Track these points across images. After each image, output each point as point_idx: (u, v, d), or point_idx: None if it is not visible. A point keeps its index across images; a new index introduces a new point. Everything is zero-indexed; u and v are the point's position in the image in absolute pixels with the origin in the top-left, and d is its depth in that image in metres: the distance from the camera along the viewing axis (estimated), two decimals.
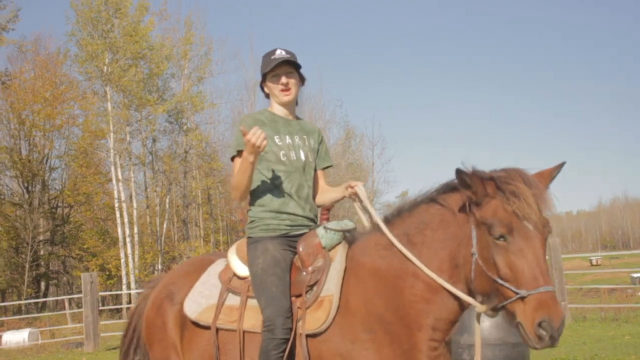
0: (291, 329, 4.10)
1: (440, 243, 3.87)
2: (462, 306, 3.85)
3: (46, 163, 42.38)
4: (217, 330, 4.49)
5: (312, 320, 4.05)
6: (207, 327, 4.55)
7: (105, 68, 34.71)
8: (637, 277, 27.41)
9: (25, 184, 41.03)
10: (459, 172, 3.66)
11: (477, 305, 3.75)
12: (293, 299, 4.22)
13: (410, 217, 4.05)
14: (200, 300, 4.69)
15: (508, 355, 6.45)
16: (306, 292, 4.19)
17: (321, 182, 4.84)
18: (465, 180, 3.66)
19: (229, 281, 4.62)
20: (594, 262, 51.66)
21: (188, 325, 4.71)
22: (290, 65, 4.62)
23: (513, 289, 3.42)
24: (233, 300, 4.52)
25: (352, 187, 4.44)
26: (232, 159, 4.61)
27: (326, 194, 4.77)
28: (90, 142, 39.90)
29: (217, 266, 4.86)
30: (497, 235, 3.51)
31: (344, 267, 4.16)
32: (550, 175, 3.80)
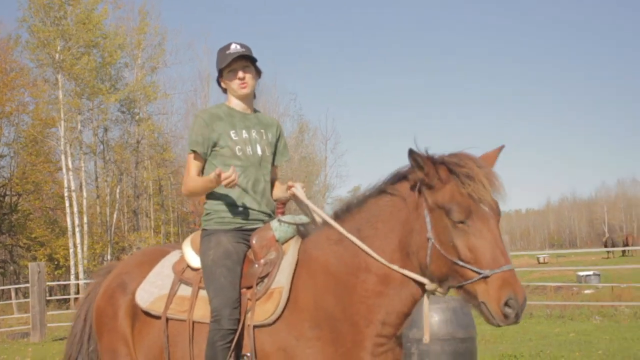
0: (239, 320, 4.12)
1: (391, 233, 3.86)
2: (415, 296, 3.85)
3: None
4: (168, 320, 4.50)
5: (261, 311, 4.06)
6: (158, 317, 4.56)
7: (57, 55, 34.23)
8: (583, 276, 27.81)
9: None
10: (411, 152, 3.68)
11: (427, 282, 3.75)
12: (244, 290, 4.23)
13: (360, 212, 4.06)
14: (152, 290, 4.69)
15: (456, 350, 6.53)
16: (257, 284, 4.20)
17: (275, 176, 4.86)
18: (417, 161, 3.68)
19: (182, 272, 4.64)
20: (542, 260, 52.30)
21: (139, 315, 4.70)
22: (246, 59, 4.63)
23: (475, 269, 3.48)
24: (185, 291, 4.53)
25: (290, 188, 4.47)
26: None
27: (275, 191, 4.80)
28: (40, 131, 39.34)
29: (172, 257, 4.86)
30: (457, 220, 3.56)
31: (295, 261, 4.17)
32: (494, 158, 3.88)
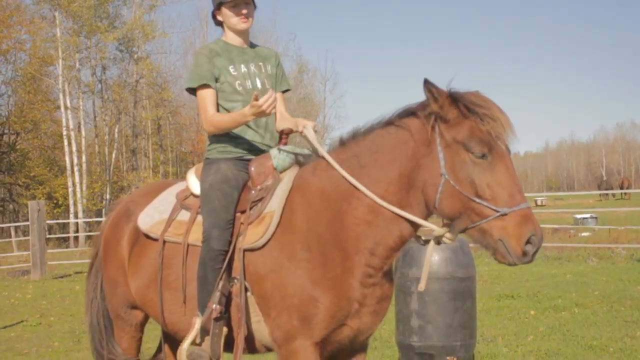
0: (230, 242, 4.18)
1: (391, 164, 3.83)
2: (406, 232, 3.86)
3: None
4: (165, 242, 4.60)
5: (251, 235, 4.11)
6: (157, 240, 4.66)
7: None
8: (580, 218, 27.91)
9: None
10: (426, 82, 3.64)
11: (435, 229, 3.74)
12: (238, 214, 4.28)
13: (364, 139, 4.01)
14: (154, 214, 4.80)
15: (455, 289, 6.56)
16: (250, 208, 4.25)
17: (280, 107, 4.78)
18: (432, 92, 3.63)
19: (184, 199, 4.71)
20: (539, 203, 52.45)
21: (140, 238, 4.82)
22: None
23: (493, 207, 3.45)
24: (184, 216, 4.61)
25: (303, 127, 4.42)
26: (193, 91, 4.60)
27: (282, 122, 4.73)
28: (38, 69, 39.08)
29: (178, 186, 4.94)
30: (480, 154, 3.52)
31: (290, 187, 4.18)
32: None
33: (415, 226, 3.83)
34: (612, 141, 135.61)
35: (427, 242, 3.90)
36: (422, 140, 3.74)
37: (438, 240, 3.80)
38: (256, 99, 4.11)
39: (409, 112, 3.88)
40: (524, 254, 3.42)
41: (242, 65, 4.62)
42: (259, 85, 4.61)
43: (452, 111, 3.63)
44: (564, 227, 24.29)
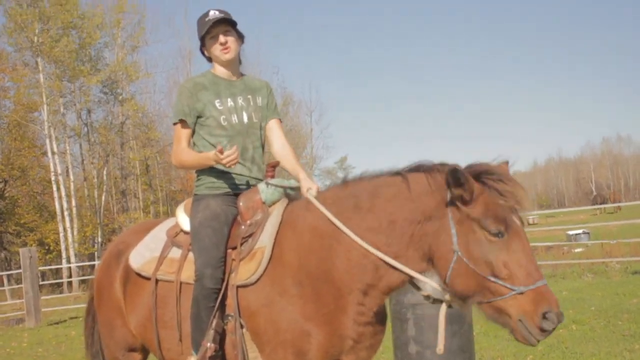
0: (222, 280, 4.16)
1: (389, 216, 3.77)
2: (398, 281, 3.82)
3: None
4: (157, 281, 4.60)
5: (244, 271, 4.08)
6: (149, 279, 4.66)
7: (35, 38, 33.91)
8: (572, 235, 27.98)
9: None
10: (457, 171, 3.51)
11: (432, 283, 3.72)
12: (229, 251, 4.27)
13: (368, 183, 3.98)
14: (145, 253, 4.80)
15: (451, 313, 6.42)
16: (241, 244, 4.24)
17: (278, 132, 4.83)
18: (461, 182, 3.52)
19: (174, 235, 4.71)
20: (531, 221, 52.51)
21: (132, 277, 4.82)
22: (227, 24, 4.60)
23: (509, 286, 3.39)
24: (175, 253, 4.61)
25: (306, 191, 4.33)
26: (175, 123, 4.63)
27: (285, 159, 4.74)
28: (23, 115, 39.03)
29: (168, 223, 4.96)
30: (495, 232, 3.46)
31: (279, 221, 4.17)
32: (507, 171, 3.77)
33: (410, 276, 3.78)
34: (599, 156, 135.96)
35: (436, 301, 3.84)
36: (431, 207, 3.68)
37: (449, 305, 3.76)
38: (221, 152, 4.14)
39: (419, 170, 3.83)
40: (542, 330, 3.35)
41: (229, 99, 4.62)
42: (245, 119, 4.62)
43: (471, 194, 3.55)
44: (557, 245, 24.34)
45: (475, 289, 3.51)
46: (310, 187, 4.33)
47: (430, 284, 3.74)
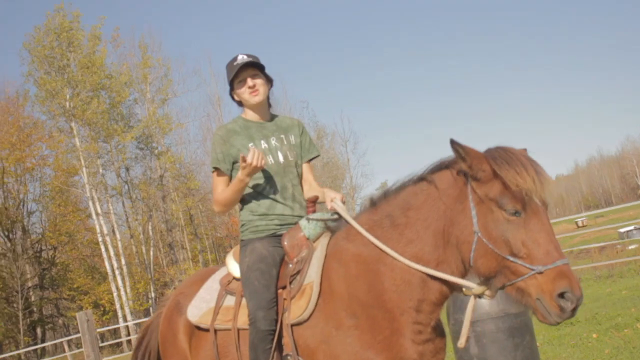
0: (276, 321, 4.14)
1: (424, 222, 3.79)
2: (447, 288, 3.80)
3: (23, 208, 42.00)
4: (216, 331, 4.56)
5: (295, 308, 4.06)
6: (208, 330, 4.62)
7: (67, 104, 34.49)
8: (624, 232, 27.56)
9: (6, 232, 40.62)
10: (452, 142, 3.60)
11: (474, 287, 3.67)
12: (280, 291, 4.25)
13: (395, 198, 3.99)
14: (201, 305, 4.76)
15: (512, 326, 6.45)
16: (290, 282, 4.22)
17: (308, 175, 4.85)
18: (459, 152, 3.60)
19: (227, 284, 4.68)
20: (580, 224, 52.00)
21: (194, 331, 4.78)
22: (254, 68, 4.63)
23: (528, 265, 3.36)
24: (230, 301, 4.58)
25: (331, 201, 4.41)
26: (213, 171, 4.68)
27: (310, 192, 4.75)
28: (64, 181, 39.67)
29: (221, 272, 4.91)
30: (513, 211, 3.45)
31: (324, 254, 4.16)
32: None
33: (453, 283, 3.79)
34: None
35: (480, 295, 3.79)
36: (454, 196, 3.72)
37: (479, 295, 3.72)
38: (243, 160, 4.19)
39: (441, 167, 3.86)
40: (561, 309, 3.32)
41: (263, 141, 4.64)
42: (280, 159, 4.63)
43: (482, 169, 3.58)
44: (610, 244, 23.93)
45: (496, 269, 3.51)
46: (334, 197, 4.39)
47: (467, 285, 3.71)
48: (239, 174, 4.33)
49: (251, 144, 4.58)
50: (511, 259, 3.43)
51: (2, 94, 43.41)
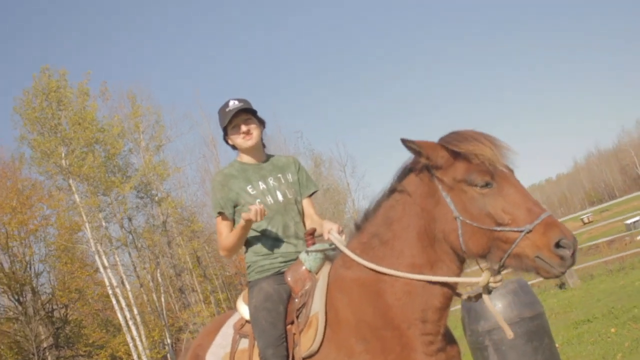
0: (287, 356, 4.18)
1: (407, 230, 3.85)
2: (447, 289, 3.83)
3: (30, 270, 41.89)
4: None
5: (305, 341, 4.10)
6: None
7: (63, 162, 34.49)
8: (631, 223, 27.53)
9: (16, 296, 40.51)
10: (403, 141, 3.69)
11: (477, 279, 3.71)
12: (289, 327, 4.30)
13: (376, 217, 4.07)
14: (218, 351, 4.81)
15: (529, 330, 6.46)
16: (297, 316, 4.27)
17: (309, 210, 4.93)
18: (413, 148, 3.70)
19: (240, 327, 4.72)
20: (586, 221, 51.91)
21: None
22: (247, 112, 4.74)
23: (515, 229, 3.40)
24: (244, 344, 4.63)
25: (327, 232, 4.45)
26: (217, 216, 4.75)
27: (311, 225, 4.81)
28: (68, 238, 39.56)
29: (234, 317, 4.96)
30: (483, 184, 3.53)
31: (326, 284, 4.22)
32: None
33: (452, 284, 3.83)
34: (637, 139, 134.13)
35: (478, 297, 3.89)
36: (425, 194, 3.79)
37: (488, 289, 3.77)
38: (246, 217, 4.31)
39: (405, 171, 3.95)
40: (561, 258, 3.34)
41: (260, 183, 4.73)
42: (279, 197, 4.73)
43: (440, 157, 3.68)
44: (619, 237, 23.89)
45: (488, 245, 3.54)
46: (330, 228, 4.42)
47: (472, 280, 3.75)
48: (241, 222, 4.39)
49: (249, 186, 4.68)
50: (498, 229, 3.47)
51: None
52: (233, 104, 4.74)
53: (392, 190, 4.00)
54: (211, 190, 4.77)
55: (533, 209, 3.43)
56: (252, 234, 4.65)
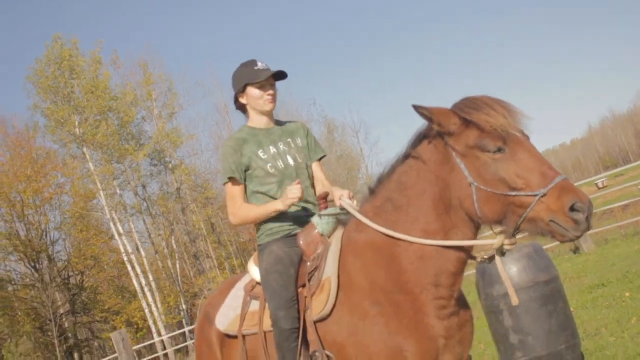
0: (298, 319, 4.21)
1: (422, 196, 3.85)
2: (462, 253, 3.85)
3: (46, 237, 42.19)
4: (244, 336, 4.67)
5: (316, 305, 4.12)
6: (237, 337, 4.73)
7: (76, 130, 34.59)
8: None
9: (32, 264, 40.86)
10: (415, 107, 3.69)
11: (490, 242, 3.72)
12: (300, 289, 4.33)
13: (390, 182, 4.08)
14: (228, 312, 4.89)
15: (543, 294, 6.46)
16: (309, 279, 4.30)
17: (319, 174, 4.93)
18: (424, 114, 3.70)
19: (251, 289, 4.80)
20: (600, 185, 51.65)
21: (225, 340, 4.90)
22: (273, 77, 4.72)
23: (529, 193, 3.40)
24: (255, 305, 4.69)
25: (339, 199, 4.47)
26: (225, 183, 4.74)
27: (321, 190, 4.82)
28: (83, 206, 39.80)
29: (245, 279, 5.02)
30: (495, 149, 3.52)
31: (339, 248, 4.23)
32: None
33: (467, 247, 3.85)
34: None
35: (491, 258, 3.86)
36: (440, 161, 3.78)
37: (501, 252, 3.76)
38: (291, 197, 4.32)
39: (420, 138, 3.95)
40: (576, 222, 3.32)
41: (271, 147, 4.73)
42: (290, 162, 4.74)
43: (452, 122, 3.68)
44: (633, 201, 23.73)
45: (504, 210, 3.54)
46: (341, 194, 4.45)
47: (484, 243, 3.77)
48: (279, 205, 4.42)
49: (260, 150, 4.68)
50: (512, 193, 3.46)
51: (11, 129, 43.68)
52: (262, 64, 4.70)
53: (406, 156, 3.99)
54: (222, 155, 4.75)
55: (547, 172, 3.42)
56: (263, 198, 4.66)
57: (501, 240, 3.68)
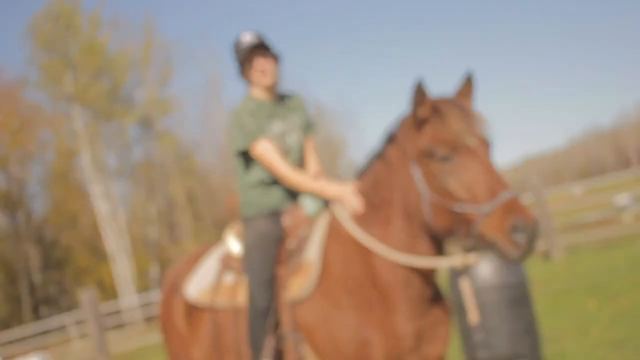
0: (272, 299, 4.15)
1: (391, 200, 3.76)
2: (435, 252, 3.74)
3: (26, 191, 42.10)
4: (215, 310, 4.54)
5: (294, 286, 4.05)
6: (207, 308, 4.61)
7: (67, 87, 34.50)
8: (620, 202, 27.57)
9: (9, 214, 40.76)
10: (418, 87, 3.48)
11: (451, 262, 3.64)
12: (278, 268, 4.24)
13: (367, 175, 3.98)
14: (200, 282, 4.73)
15: (513, 297, 6.58)
16: (288, 259, 4.22)
17: (311, 151, 4.76)
18: (418, 100, 3.50)
19: (227, 261, 4.66)
20: (576, 197, 51.81)
21: (192, 311, 4.75)
22: (263, 48, 4.42)
23: (475, 209, 3.22)
24: (230, 278, 4.56)
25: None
26: (242, 155, 4.48)
27: (315, 169, 4.71)
28: (65, 163, 39.72)
29: (219, 249, 4.87)
30: (442, 157, 3.35)
31: (325, 233, 4.11)
32: (469, 91, 3.66)
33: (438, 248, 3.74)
34: (634, 120, 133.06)
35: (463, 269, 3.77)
36: (401, 164, 3.68)
37: (464, 268, 3.68)
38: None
39: (389, 139, 3.84)
40: (516, 245, 3.11)
41: (278, 122, 4.49)
42: (294, 138, 4.56)
43: (423, 115, 3.52)
44: (607, 215, 24.02)
45: (453, 223, 3.38)
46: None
47: (446, 263, 3.68)
48: (332, 192, 4.10)
49: (269, 124, 4.45)
50: (458, 208, 3.30)
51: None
52: (248, 39, 4.41)
53: (379, 155, 3.90)
54: (236, 123, 4.37)
55: (494, 186, 3.22)
56: (256, 174, 4.48)
57: (461, 259, 3.60)
